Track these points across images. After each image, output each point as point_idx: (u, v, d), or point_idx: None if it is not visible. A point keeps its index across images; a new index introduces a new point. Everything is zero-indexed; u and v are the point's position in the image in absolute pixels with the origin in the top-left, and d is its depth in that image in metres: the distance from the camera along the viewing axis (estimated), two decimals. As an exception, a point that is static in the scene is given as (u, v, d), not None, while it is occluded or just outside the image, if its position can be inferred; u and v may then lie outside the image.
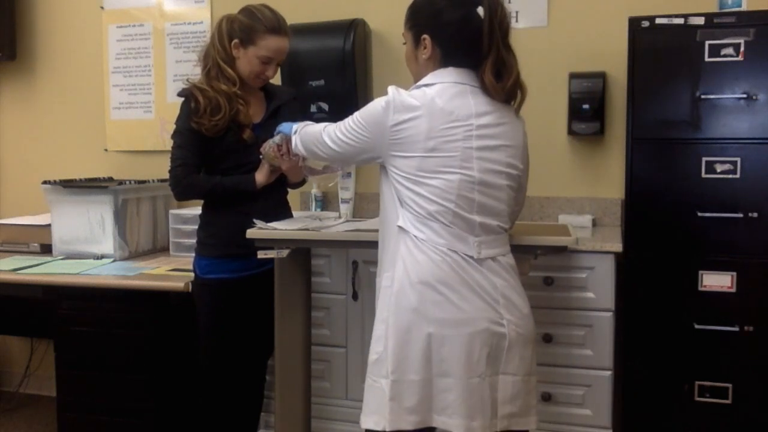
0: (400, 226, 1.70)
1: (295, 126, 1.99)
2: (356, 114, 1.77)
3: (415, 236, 1.68)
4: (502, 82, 1.70)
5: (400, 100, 1.69)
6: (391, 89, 1.72)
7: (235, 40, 2.27)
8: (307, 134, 1.92)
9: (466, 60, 1.71)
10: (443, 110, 1.67)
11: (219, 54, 2.28)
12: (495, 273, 1.70)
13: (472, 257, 1.68)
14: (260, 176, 2.29)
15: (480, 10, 1.67)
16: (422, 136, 1.66)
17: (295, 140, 1.96)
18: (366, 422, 1.73)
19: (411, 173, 1.68)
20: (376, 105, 1.72)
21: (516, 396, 1.72)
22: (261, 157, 2.25)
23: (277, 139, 2.15)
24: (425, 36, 1.74)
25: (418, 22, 1.78)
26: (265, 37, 2.25)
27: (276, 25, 2.27)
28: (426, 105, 1.67)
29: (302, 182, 2.47)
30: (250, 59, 2.27)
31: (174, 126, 2.33)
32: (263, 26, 2.25)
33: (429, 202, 1.67)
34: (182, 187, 2.31)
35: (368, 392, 1.74)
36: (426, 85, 1.72)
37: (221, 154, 2.29)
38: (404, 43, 1.84)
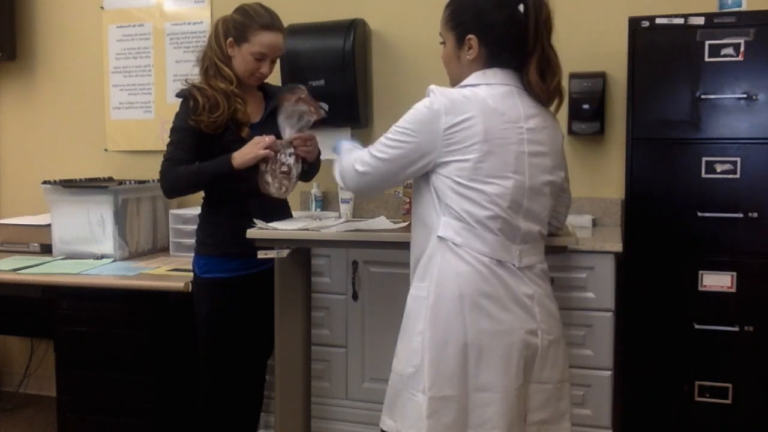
0: (440, 236, 1.63)
1: (346, 144, 1.88)
2: (399, 123, 1.66)
3: (456, 245, 1.62)
4: (546, 82, 1.65)
5: (452, 100, 1.60)
6: (435, 89, 1.63)
7: (230, 39, 2.29)
8: (348, 155, 1.79)
9: (511, 60, 1.66)
10: (496, 111, 1.61)
11: (216, 54, 2.30)
12: (533, 281, 1.67)
13: (513, 265, 1.64)
14: (238, 155, 2.21)
15: (521, 8, 1.62)
16: (479, 138, 1.58)
17: (337, 164, 1.82)
18: None
19: (463, 178, 1.60)
20: (423, 109, 1.62)
21: (547, 403, 1.69)
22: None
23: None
24: (471, 36, 1.66)
25: (461, 22, 1.69)
26: (257, 34, 2.26)
27: (268, 22, 2.28)
28: (479, 105, 1.60)
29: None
30: (245, 56, 2.28)
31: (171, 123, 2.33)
32: (255, 23, 2.27)
33: (480, 208, 1.60)
34: (166, 180, 2.28)
35: (407, 405, 1.65)
36: (472, 86, 1.65)
37: (220, 153, 2.29)
38: (442, 43, 1.75)
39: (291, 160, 2.25)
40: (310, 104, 2.28)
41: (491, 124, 1.59)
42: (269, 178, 2.23)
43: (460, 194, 1.61)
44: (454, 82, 1.74)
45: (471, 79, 1.67)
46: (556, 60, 1.67)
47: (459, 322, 1.60)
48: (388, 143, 1.67)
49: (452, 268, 1.62)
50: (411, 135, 1.63)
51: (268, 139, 2.20)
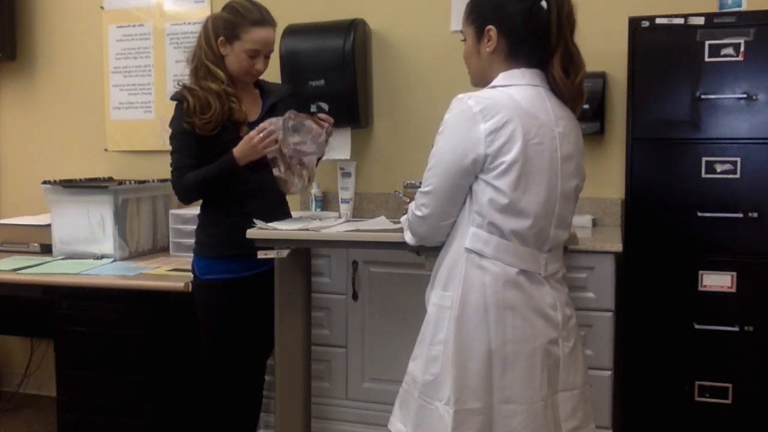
0: (467, 248, 1.61)
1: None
2: (435, 147, 1.62)
3: (483, 256, 1.59)
4: (570, 78, 1.62)
5: (484, 103, 1.55)
6: (461, 97, 1.58)
7: (221, 38, 2.27)
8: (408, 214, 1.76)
9: (533, 55, 1.62)
10: (530, 114, 1.56)
11: (205, 54, 2.29)
12: (554, 289, 1.66)
13: (539, 275, 1.63)
14: (237, 150, 2.22)
15: (544, 4, 1.59)
16: (520, 143, 1.53)
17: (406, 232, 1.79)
18: None
19: (502, 188, 1.55)
20: (457, 112, 1.57)
21: (576, 408, 1.69)
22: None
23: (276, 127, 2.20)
24: (490, 27, 1.63)
25: (480, 14, 1.66)
26: (248, 30, 2.24)
27: (258, 17, 2.26)
28: (514, 108, 1.55)
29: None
30: (238, 54, 2.27)
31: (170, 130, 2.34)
32: (246, 20, 2.25)
33: (515, 219, 1.57)
34: (177, 189, 2.32)
35: (421, 413, 1.65)
36: (501, 86, 1.61)
37: (221, 153, 2.29)
38: (463, 40, 1.73)
39: (302, 145, 2.24)
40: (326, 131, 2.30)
41: (528, 128, 1.55)
42: (288, 178, 2.26)
43: (496, 203, 1.57)
44: (475, 78, 1.73)
45: (499, 80, 1.64)
46: (579, 56, 1.64)
47: (483, 333, 1.59)
48: (431, 170, 1.63)
49: (478, 280, 1.60)
50: (451, 144, 1.58)
51: (263, 133, 2.19)
